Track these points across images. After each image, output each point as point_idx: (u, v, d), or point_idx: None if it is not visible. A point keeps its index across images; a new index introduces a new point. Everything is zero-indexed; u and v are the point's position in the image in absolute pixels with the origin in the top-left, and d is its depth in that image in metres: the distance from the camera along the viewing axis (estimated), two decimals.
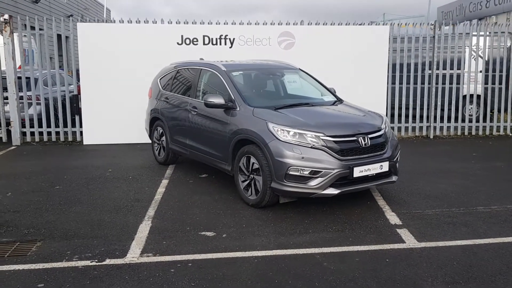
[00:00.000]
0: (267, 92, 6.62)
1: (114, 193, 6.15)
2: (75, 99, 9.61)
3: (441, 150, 8.99)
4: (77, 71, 9.62)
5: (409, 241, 4.46)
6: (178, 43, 9.50)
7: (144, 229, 4.84)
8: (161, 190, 6.27)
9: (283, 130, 5.14)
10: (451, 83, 10.36)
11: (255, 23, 9.82)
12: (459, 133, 10.58)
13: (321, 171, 4.95)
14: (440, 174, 6.96)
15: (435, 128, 10.46)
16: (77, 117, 9.73)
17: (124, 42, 9.34)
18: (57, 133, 9.77)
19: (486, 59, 10.97)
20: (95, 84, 9.38)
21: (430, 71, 10.32)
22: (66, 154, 8.72)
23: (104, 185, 6.53)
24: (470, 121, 10.70)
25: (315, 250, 4.24)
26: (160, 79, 7.86)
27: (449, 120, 10.47)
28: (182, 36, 9.49)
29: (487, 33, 10.58)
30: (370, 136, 5.28)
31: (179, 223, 5.01)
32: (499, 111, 10.70)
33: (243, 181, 5.64)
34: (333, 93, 6.63)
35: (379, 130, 5.47)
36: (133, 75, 9.37)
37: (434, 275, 3.77)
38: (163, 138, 7.51)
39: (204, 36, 9.56)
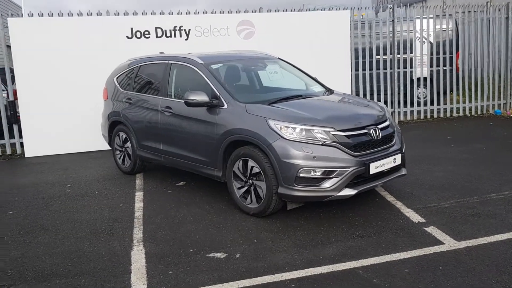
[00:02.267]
0: (253, 85, 5.94)
1: (84, 213, 5.22)
2: (12, 106, 8.34)
3: (413, 135, 8.78)
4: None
5: (447, 241, 4.03)
6: (128, 37, 8.53)
7: (138, 257, 4.03)
8: (139, 205, 5.43)
9: (287, 127, 4.51)
10: (409, 67, 10.27)
11: (212, 12, 9.06)
12: (422, 117, 10.52)
13: (336, 171, 4.39)
14: (429, 161, 6.68)
15: (399, 113, 10.31)
16: (15, 127, 8.46)
17: (66, 38, 8.21)
18: None
19: (432, 41, 10.94)
20: (34, 87, 8.19)
21: (391, 56, 10.12)
22: (8, 170, 7.51)
23: (68, 204, 5.55)
24: (426, 104, 10.63)
25: (353, 264, 3.68)
26: (116, 78, 6.92)
27: (405, 104, 10.35)
28: (132, 29, 8.53)
29: (431, 16, 10.48)
30: (379, 127, 4.80)
31: (177, 245, 4.25)
32: (444, 93, 10.73)
33: (239, 188, 4.95)
34: (320, 82, 6.09)
35: (386, 120, 5.01)
36: (79, 74, 8.29)
37: (501, 279, 3.35)
38: (128, 144, 6.60)
39: (156, 28, 8.65)
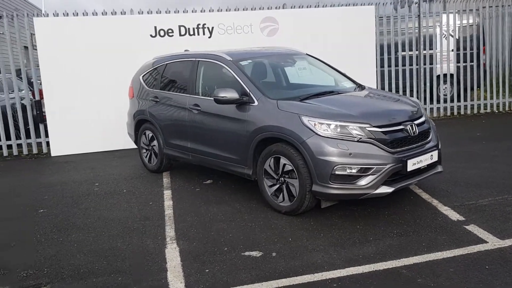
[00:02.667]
0: (282, 82, 5.85)
1: (114, 211, 5.20)
2: (38, 105, 8.39)
3: (441, 132, 8.51)
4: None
5: (490, 239, 3.89)
6: (151, 36, 8.51)
7: (173, 255, 3.98)
8: (168, 203, 5.39)
9: (321, 123, 4.42)
10: (434, 63, 10.07)
11: (235, 9, 9.01)
12: (448, 113, 10.31)
13: (373, 168, 4.27)
14: (462, 159, 6.52)
15: (425, 110, 10.13)
16: (41, 126, 8.52)
17: (91, 37, 8.22)
18: (19, 145, 8.51)
19: (457, 37, 10.69)
20: (59, 86, 8.22)
21: (417, 52, 9.93)
22: (35, 169, 7.54)
23: (97, 203, 5.54)
24: (452, 100, 10.40)
25: (395, 264, 3.58)
26: (142, 76, 6.90)
27: (431, 101, 10.14)
28: (155, 27, 8.50)
29: (457, 10, 10.24)
30: (416, 123, 4.67)
31: (211, 243, 4.19)
32: (472, 89, 10.50)
33: (270, 186, 4.88)
34: (350, 77, 5.98)
35: (422, 116, 4.89)
36: (104, 73, 8.30)
37: None
38: (154, 142, 6.57)
39: (180, 27, 8.62)
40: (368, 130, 4.37)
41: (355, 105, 4.92)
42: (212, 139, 5.53)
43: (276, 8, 9.14)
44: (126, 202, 5.50)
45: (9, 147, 8.49)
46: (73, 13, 8.29)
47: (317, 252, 3.88)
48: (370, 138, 4.36)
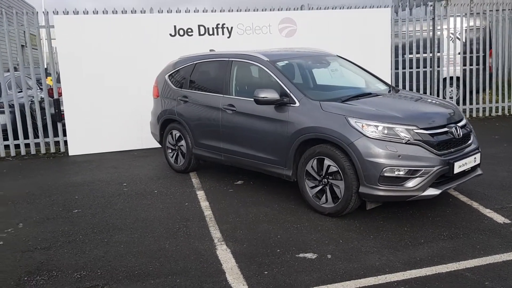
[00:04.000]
0: (319, 83, 5.85)
1: (152, 212, 5.16)
2: (56, 104, 8.28)
3: None
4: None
5: None
6: (171, 35, 8.46)
7: (226, 257, 3.96)
8: (204, 204, 5.36)
9: (369, 125, 4.43)
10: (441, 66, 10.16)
11: (254, 10, 9.00)
12: None
13: (421, 170, 4.29)
14: (489, 161, 6.51)
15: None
16: (58, 125, 8.42)
17: (111, 36, 8.16)
18: (37, 144, 8.41)
19: (464, 40, 10.75)
20: (78, 85, 8.14)
21: (431, 54, 10.01)
22: (56, 169, 7.45)
23: (131, 203, 5.49)
24: (459, 103, 10.46)
25: (456, 266, 3.59)
26: (168, 75, 6.85)
27: None
28: (175, 26, 8.45)
29: (463, 14, 10.33)
30: (459, 125, 4.71)
31: (261, 245, 4.17)
32: (477, 92, 10.57)
33: (312, 187, 4.87)
34: (382, 80, 6.00)
35: (463, 119, 4.93)
36: (123, 72, 8.23)
37: None
38: (182, 142, 6.53)
39: (199, 26, 8.57)
40: (416, 132, 4.39)
41: (398, 107, 4.93)
42: (247, 140, 5.51)
43: (294, 9, 9.15)
44: (161, 203, 5.46)
45: (26, 145, 8.38)
46: (93, 11, 8.21)
47: (372, 255, 3.88)
48: (418, 140, 4.38)
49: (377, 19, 9.47)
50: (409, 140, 4.36)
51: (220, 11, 8.83)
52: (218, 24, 8.67)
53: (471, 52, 10.56)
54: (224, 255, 4.01)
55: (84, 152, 8.25)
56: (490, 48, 10.70)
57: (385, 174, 4.29)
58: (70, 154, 8.23)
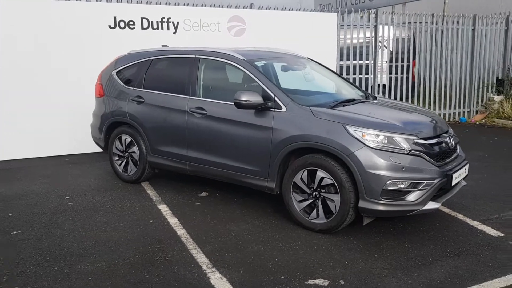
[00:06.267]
0: (300, 87, 5.40)
1: (112, 233, 4.37)
2: None
3: None
4: None
5: None
6: (110, 27, 7.55)
7: (223, 287, 3.37)
8: (173, 220, 4.67)
9: (370, 134, 4.09)
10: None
11: (202, 5, 8.36)
12: None
13: (423, 183, 4.03)
14: None
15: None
16: None
17: (40, 25, 7.06)
18: None
19: (391, 49, 11.00)
20: (1, 81, 6.94)
21: (372, 62, 10.09)
22: None
23: (83, 222, 4.63)
24: None
25: None
26: (116, 72, 6.02)
27: None
28: (115, 18, 7.56)
29: (392, 24, 10.55)
30: (452, 134, 4.55)
31: (260, 271, 3.63)
32: (401, 99, 10.89)
33: (300, 201, 4.42)
34: (355, 85, 5.73)
35: (449, 128, 4.78)
36: (50, 66, 7.18)
37: None
38: (134, 148, 5.75)
39: (142, 19, 7.76)
40: (416, 142, 4.14)
41: (391, 115, 4.64)
42: (221, 148, 4.91)
43: (243, 7, 8.67)
44: (120, 220, 4.67)
45: None
46: None
47: (387, 278, 3.52)
48: (418, 151, 4.12)
49: (324, 23, 9.33)
50: (410, 151, 4.09)
51: (166, 3, 8.08)
52: (163, 18, 7.92)
53: (397, 61, 10.82)
54: (222, 285, 3.41)
55: (6, 158, 7.06)
56: (414, 58, 11.02)
57: (389, 187, 3.97)
58: None
